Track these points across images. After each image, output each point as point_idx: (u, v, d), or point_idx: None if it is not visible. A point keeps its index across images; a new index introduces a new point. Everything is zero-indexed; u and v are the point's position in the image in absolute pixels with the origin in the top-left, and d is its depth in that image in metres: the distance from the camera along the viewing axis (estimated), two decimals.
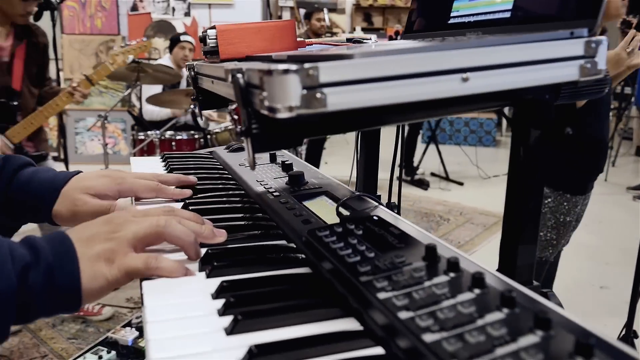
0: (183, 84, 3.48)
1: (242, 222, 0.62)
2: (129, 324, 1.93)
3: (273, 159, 0.90)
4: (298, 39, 0.73)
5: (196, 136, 3.04)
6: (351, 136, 0.96)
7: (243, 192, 0.75)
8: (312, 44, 0.78)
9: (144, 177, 0.69)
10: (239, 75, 0.41)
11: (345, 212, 0.60)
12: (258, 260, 0.52)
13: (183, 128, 3.25)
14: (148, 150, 2.87)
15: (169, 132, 2.98)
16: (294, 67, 0.35)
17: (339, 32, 6.80)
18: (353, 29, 7.11)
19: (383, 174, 0.87)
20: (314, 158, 3.93)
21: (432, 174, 4.80)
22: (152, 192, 0.68)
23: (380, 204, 0.64)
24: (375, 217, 0.54)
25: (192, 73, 0.74)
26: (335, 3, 7.39)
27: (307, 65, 0.35)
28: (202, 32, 0.74)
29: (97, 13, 4.72)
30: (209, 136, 3.17)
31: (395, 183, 0.92)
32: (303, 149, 3.55)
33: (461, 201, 4.07)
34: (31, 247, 0.43)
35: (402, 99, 0.38)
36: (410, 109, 0.42)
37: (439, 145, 4.64)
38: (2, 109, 2.03)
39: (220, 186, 0.79)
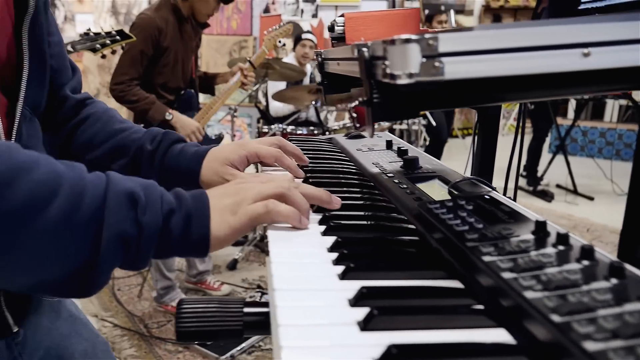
0: (305, 82, 3.64)
1: (357, 195, 0.66)
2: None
3: (389, 145, 0.93)
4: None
5: (315, 132, 3.16)
6: (470, 141, 0.95)
7: (359, 171, 0.80)
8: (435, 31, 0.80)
9: (267, 143, 0.76)
10: (364, 49, 0.45)
11: (452, 191, 0.61)
12: (371, 226, 0.55)
13: (304, 124, 3.41)
14: None
15: (290, 127, 3.13)
16: (415, 37, 0.38)
17: None
18: None
19: (498, 182, 0.86)
20: (435, 151, 3.91)
21: (558, 186, 4.48)
22: (273, 158, 0.74)
23: (494, 189, 0.64)
24: (486, 196, 0.55)
25: (320, 59, 0.80)
26: (463, 4, 7.20)
27: (427, 35, 0.38)
28: (332, 24, 0.79)
29: (233, 15, 5.10)
30: (327, 132, 3.29)
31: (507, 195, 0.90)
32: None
33: (590, 217, 3.75)
34: (177, 196, 0.51)
35: (518, 71, 0.39)
36: (527, 84, 0.43)
37: (568, 156, 4.32)
38: (190, 98, 2.30)
39: (337, 165, 0.84)
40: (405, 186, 0.67)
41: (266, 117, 3.46)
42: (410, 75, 0.39)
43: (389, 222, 0.58)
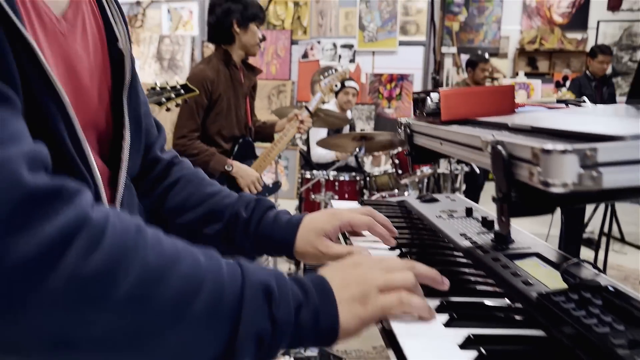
0: (346, 128, 3.68)
1: (461, 276, 0.65)
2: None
3: (469, 212, 0.92)
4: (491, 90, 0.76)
5: (357, 178, 3.17)
6: None
7: (450, 245, 0.79)
8: (524, 105, 0.80)
9: (358, 212, 0.76)
10: (501, 148, 0.45)
11: (568, 278, 0.60)
12: (492, 316, 0.54)
13: (344, 169, 3.42)
14: (314, 189, 3.07)
15: (332, 173, 3.15)
16: (571, 147, 0.38)
17: (500, 77, 6.62)
18: (516, 74, 6.87)
19: (537, 227, 0.84)
20: (472, 197, 3.86)
21: (604, 234, 4.35)
22: (365, 227, 0.74)
23: (600, 270, 0.63)
24: (611, 288, 0.54)
25: (408, 131, 0.81)
26: (497, 47, 7.24)
27: (585, 145, 0.38)
28: (419, 94, 0.80)
29: (273, 60, 5.24)
30: (368, 178, 3.29)
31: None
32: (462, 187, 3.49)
33: None
34: (303, 288, 0.51)
35: None
36: None
37: (614, 203, 4.20)
38: (247, 146, 2.35)
39: (426, 236, 0.83)
40: (506, 266, 0.66)
41: (308, 162, 3.50)
42: (566, 186, 0.39)
43: (506, 312, 0.56)
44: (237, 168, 2.20)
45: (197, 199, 0.77)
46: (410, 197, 1.11)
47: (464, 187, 3.97)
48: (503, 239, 0.76)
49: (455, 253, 0.75)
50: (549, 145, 0.39)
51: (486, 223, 0.84)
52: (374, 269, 0.55)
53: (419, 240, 0.82)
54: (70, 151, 0.51)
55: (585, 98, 0.82)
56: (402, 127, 0.84)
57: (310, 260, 0.73)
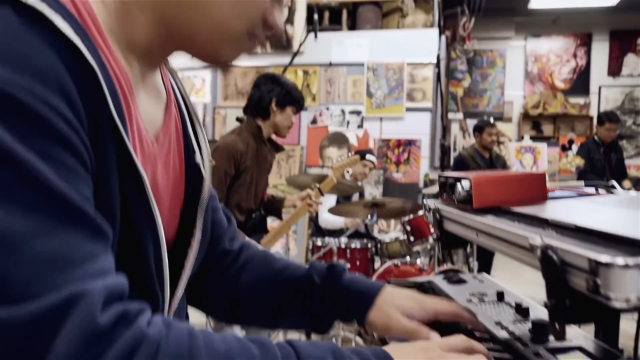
0: (355, 194, 3.69)
1: None
2: None
3: (501, 297, 0.90)
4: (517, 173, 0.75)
5: (369, 245, 3.14)
6: None
7: (487, 336, 0.76)
8: (554, 191, 0.80)
9: (442, 301, 0.75)
10: (552, 253, 0.44)
11: None
12: None
13: (354, 235, 3.40)
14: (325, 257, 3.04)
15: (343, 240, 3.13)
16: (632, 261, 0.37)
17: (506, 141, 6.71)
18: (521, 138, 6.96)
19: None
20: (485, 261, 3.81)
21: None
22: (452, 317, 0.73)
23: None
24: None
25: (437, 216, 0.81)
26: (501, 112, 7.39)
27: None
28: (447, 178, 0.80)
29: None
30: (379, 245, 3.27)
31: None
32: (475, 264, 3.43)
33: None
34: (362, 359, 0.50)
35: None
36: None
37: None
38: (260, 220, 2.37)
39: (463, 326, 0.80)
40: None
41: (319, 229, 3.48)
42: (629, 301, 0.37)
43: None
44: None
45: (270, 275, 0.77)
46: (437, 277, 1.09)
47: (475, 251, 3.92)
48: (542, 330, 0.73)
49: (494, 346, 0.72)
50: (608, 257, 0.38)
51: (521, 310, 0.82)
52: (443, 357, 0.54)
53: (455, 329, 0.79)
54: (152, 273, 0.53)
55: (614, 182, 0.82)
56: (431, 212, 0.83)
57: (375, 331, 0.72)
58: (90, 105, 0.42)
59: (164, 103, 0.62)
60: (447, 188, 0.83)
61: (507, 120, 7.41)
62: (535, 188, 0.73)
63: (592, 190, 0.80)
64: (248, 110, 2.35)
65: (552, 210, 0.64)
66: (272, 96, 2.28)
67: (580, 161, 3.89)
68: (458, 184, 0.76)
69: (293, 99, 2.32)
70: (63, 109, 0.38)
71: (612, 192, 0.76)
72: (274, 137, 2.43)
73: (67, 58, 0.40)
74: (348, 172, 2.63)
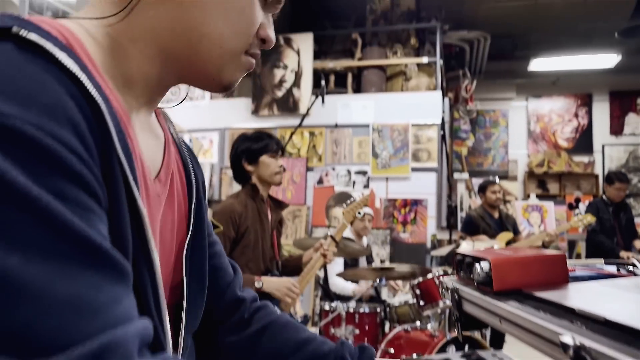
0: (363, 258, 3.65)
1: None
2: None
3: None
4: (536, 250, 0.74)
5: (378, 309, 3.07)
6: None
7: None
8: (574, 270, 0.78)
9: None
10: (585, 355, 0.43)
11: None
12: None
13: (362, 299, 3.33)
14: (333, 322, 2.96)
15: (352, 304, 3.06)
16: None
17: (512, 200, 6.69)
18: (527, 196, 6.95)
19: None
20: (498, 342, 3.67)
21: None
22: None
23: None
24: None
25: (456, 297, 0.79)
26: (506, 171, 7.42)
27: None
28: (464, 256, 0.79)
29: (289, 186, 5.38)
30: (388, 309, 3.19)
31: None
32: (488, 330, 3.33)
33: None
34: None
35: None
36: None
37: None
38: None
39: None
40: None
41: (327, 293, 3.42)
42: None
43: None
44: (268, 282, 2.15)
45: (295, 344, 0.74)
46: (455, 355, 1.05)
47: None
48: None
49: None
50: None
51: None
52: None
53: None
54: (154, 321, 0.50)
55: (635, 261, 0.80)
56: (449, 292, 0.81)
57: None
58: (99, 140, 0.41)
59: (162, 143, 0.62)
60: (464, 266, 0.81)
61: (513, 179, 7.43)
62: (556, 269, 0.71)
63: (613, 269, 0.79)
64: (238, 181, 2.37)
65: (577, 296, 0.62)
66: (241, 157, 2.29)
67: (591, 218, 3.86)
68: (477, 264, 0.74)
69: (260, 148, 2.28)
70: (74, 144, 0.37)
71: (634, 272, 0.75)
72: (278, 194, 2.44)
73: (74, 92, 0.40)
74: (359, 213, 2.60)
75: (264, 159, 2.28)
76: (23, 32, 0.39)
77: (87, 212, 0.37)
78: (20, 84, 0.36)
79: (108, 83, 0.49)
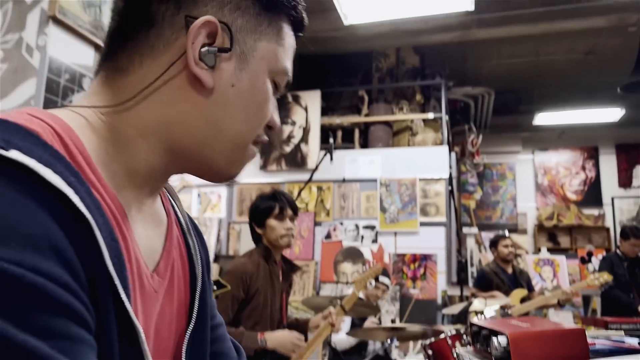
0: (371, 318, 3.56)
1: None
2: None
3: None
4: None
5: None
6: None
7: None
8: (594, 345, 0.76)
9: None
10: None
11: None
12: None
13: (374, 359, 3.23)
14: None
15: None
16: None
17: (523, 253, 6.59)
18: (538, 250, 6.85)
19: None
20: None
21: None
22: None
23: None
24: None
25: None
26: (515, 224, 7.36)
27: None
28: (480, 328, 0.77)
29: (297, 241, 5.35)
30: None
31: None
32: None
33: None
34: None
35: None
36: None
37: None
38: None
39: None
40: None
41: (337, 354, 3.32)
42: None
43: None
44: (272, 339, 2.09)
45: None
46: None
47: None
48: None
49: None
50: None
51: None
52: None
53: None
54: None
55: None
56: None
57: None
58: (87, 260, 0.39)
59: (164, 228, 0.59)
60: (480, 339, 0.79)
61: (522, 232, 7.36)
62: (576, 344, 0.69)
63: (634, 341, 0.76)
64: (252, 239, 2.38)
65: None
66: (251, 219, 2.32)
67: (608, 277, 3.78)
68: (494, 338, 0.72)
69: (265, 211, 2.27)
70: (59, 275, 0.35)
71: None
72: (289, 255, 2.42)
73: (61, 214, 0.37)
74: (371, 283, 2.56)
75: (270, 222, 2.27)
76: (2, 152, 0.36)
77: (77, 344, 0.36)
78: (0, 218, 0.34)
79: (101, 177, 0.47)
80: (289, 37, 0.58)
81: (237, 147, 0.55)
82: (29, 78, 2.29)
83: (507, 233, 4.85)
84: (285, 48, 0.57)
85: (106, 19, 2.62)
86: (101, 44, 2.56)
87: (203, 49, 0.50)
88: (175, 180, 6.01)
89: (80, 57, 2.49)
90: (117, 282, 0.42)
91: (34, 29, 2.33)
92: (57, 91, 2.31)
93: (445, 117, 5.10)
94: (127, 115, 0.51)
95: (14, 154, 0.37)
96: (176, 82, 0.51)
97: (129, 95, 0.50)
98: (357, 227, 5.18)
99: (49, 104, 2.25)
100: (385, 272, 3.81)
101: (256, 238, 2.33)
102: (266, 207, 2.29)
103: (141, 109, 0.51)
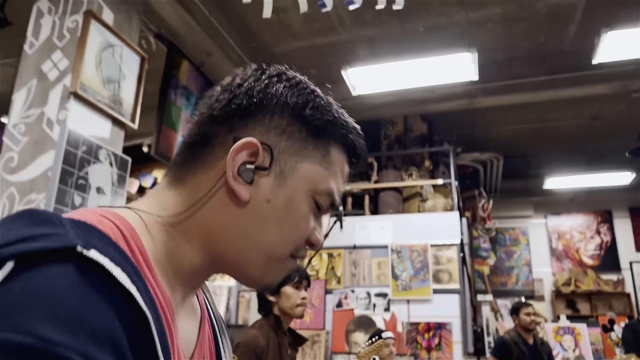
0: None
1: None
2: None
3: None
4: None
5: None
6: None
7: None
8: None
9: None
10: None
11: None
12: None
13: None
14: None
15: None
16: None
17: (542, 322, 6.37)
18: (557, 317, 6.63)
19: None
20: None
21: None
22: None
23: None
24: None
25: None
26: (531, 290, 7.17)
27: None
28: None
29: (307, 310, 5.23)
30: None
31: None
32: None
33: None
34: None
35: None
36: None
37: None
38: None
39: None
40: None
41: None
42: None
43: None
44: None
45: None
46: None
47: None
48: None
49: None
50: None
51: None
52: None
53: None
54: None
55: None
56: None
57: None
58: (141, 353, 0.43)
59: (198, 321, 0.63)
60: None
61: (540, 299, 7.15)
62: None
63: None
64: (260, 311, 2.32)
65: None
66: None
67: (636, 359, 3.63)
68: None
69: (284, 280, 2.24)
70: None
71: None
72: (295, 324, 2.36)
73: (122, 308, 0.41)
74: (375, 359, 2.49)
75: (286, 289, 2.21)
76: (84, 251, 0.41)
77: None
78: (72, 310, 0.38)
79: (156, 275, 0.51)
80: (338, 161, 0.61)
81: (270, 260, 0.57)
82: (48, 150, 2.37)
83: (523, 299, 4.72)
84: (333, 171, 0.60)
85: (124, 93, 2.75)
86: (119, 117, 2.67)
87: (242, 166, 0.55)
88: None
89: (98, 129, 2.59)
90: None
91: (55, 104, 2.44)
92: (74, 162, 2.38)
93: (454, 183, 5.13)
94: (178, 222, 0.56)
95: (93, 254, 0.41)
96: (219, 195, 0.56)
97: (183, 205, 0.56)
98: (368, 294, 5.08)
99: (65, 175, 2.32)
100: (382, 330, 3.68)
101: (265, 306, 2.28)
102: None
103: (189, 217, 0.56)
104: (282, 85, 0.58)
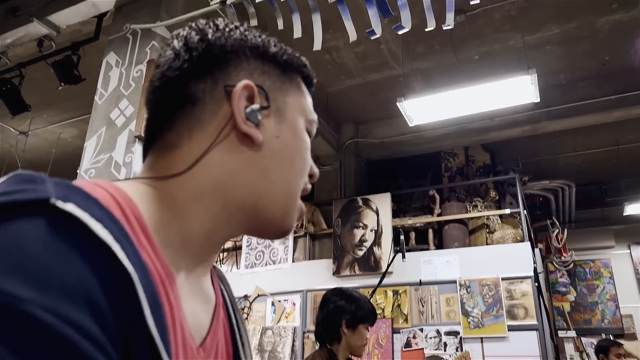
0: None
1: None
2: None
3: None
4: None
5: None
6: None
7: None
8: None
9: None
10: None
11: None
12: None
13: None
14: None
15: None
16: None
17: None
18: None
19: None
20: None
21: None
22: None
23: None
24: None
25: None
26: (621, 328, 6.57)
27: None
28: None
29: (374, 350, 5.06)
30: None
31: None
32: None
33: None
34: None
35: None
36: None
37: None
38: None
39: None
40: None
41: None
42: None
43: None
44: None
45: None
46: None
47: None
48: None
49: None
50: None
51: None
52: None
53: None
54: None
55: None
56: None
57: None
58: (124, 315, 0.39)
59: (212, 307, 0.60)
60: None
61: (631, 338, 6.53)
62: None
63: None
64: (318, 338, 2.24)
65: None
66: (342, 318, 2.14)
67: None
68: None
69: (365, 316, 2.15)
70: (88, 327, 0.36)
71: None
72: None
73: (101, 265, 0.39)
74: None
75: (362, 328, 2.17)
76: (59, 203, 0.39)
77: None
78: (42, 264, 0.36)
79: (155, 245, 0.48)
80: (305, 91, 0.64)
81: (289, 196, 0.58)
82: None
83: (611, 337, 4.33)
84: (308, 101, 0.63)
85: None
86: None
87: (247, 110, 0.55)
88: (249, 290, 6.04)
89: None
90: (157, 340, 0.41)
91: (122, 148, 2.59)
92: None
93: (523, 212, 4.89)
94: (183, 183, 0.54)
95: (70, 207, 0.39)
96: (225, 145, 0.55)
97: (184, 165, 0.54)
98: (438, 333, 4.85)
99: None
100: (438, 357, 3.45)
101: (333, 338, 2.18)
102: (368, 314, 2.19)
103: (196, 175, 0.54)
104: (239, 31, 0.59)
